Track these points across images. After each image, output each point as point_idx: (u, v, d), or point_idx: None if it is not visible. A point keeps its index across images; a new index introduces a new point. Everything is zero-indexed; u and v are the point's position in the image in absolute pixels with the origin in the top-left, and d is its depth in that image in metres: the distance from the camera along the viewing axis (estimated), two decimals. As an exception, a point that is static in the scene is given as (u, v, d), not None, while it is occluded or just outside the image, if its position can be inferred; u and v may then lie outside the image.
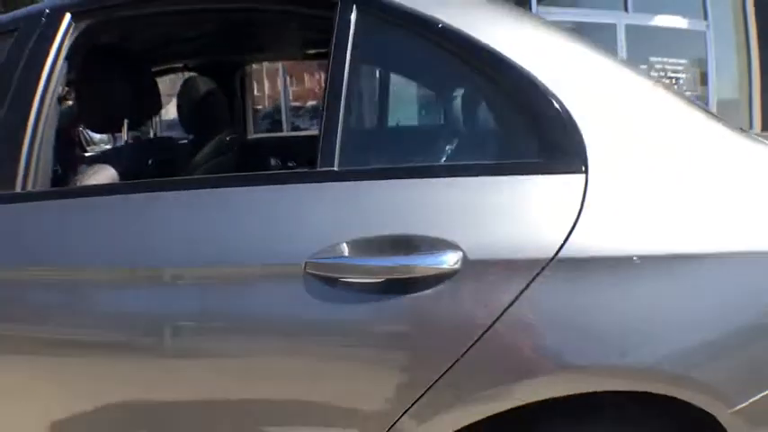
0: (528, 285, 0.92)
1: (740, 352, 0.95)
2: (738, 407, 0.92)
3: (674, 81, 5.97)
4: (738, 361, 0.95)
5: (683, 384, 0.93)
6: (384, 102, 2.02)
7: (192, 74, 2.30)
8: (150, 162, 1.67)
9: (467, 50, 1.05)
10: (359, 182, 1.03)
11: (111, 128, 1.80)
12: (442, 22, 1.05)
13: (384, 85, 2.04)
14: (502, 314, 0.92)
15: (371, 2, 1.09)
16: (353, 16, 1.08)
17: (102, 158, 1.72)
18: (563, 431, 1.04)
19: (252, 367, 1.02)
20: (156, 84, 1.72)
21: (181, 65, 2.37)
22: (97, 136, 4.45)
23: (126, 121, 1.61)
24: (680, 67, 6.06)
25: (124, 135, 2.03)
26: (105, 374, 1.07)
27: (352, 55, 1.06)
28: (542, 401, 0.95)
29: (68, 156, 2.05)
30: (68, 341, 1.11)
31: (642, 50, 5.96)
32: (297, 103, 9.35)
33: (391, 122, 2.24)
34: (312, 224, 1.00)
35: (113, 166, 1.46)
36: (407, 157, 1.28)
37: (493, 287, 0.94)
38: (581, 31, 6.16)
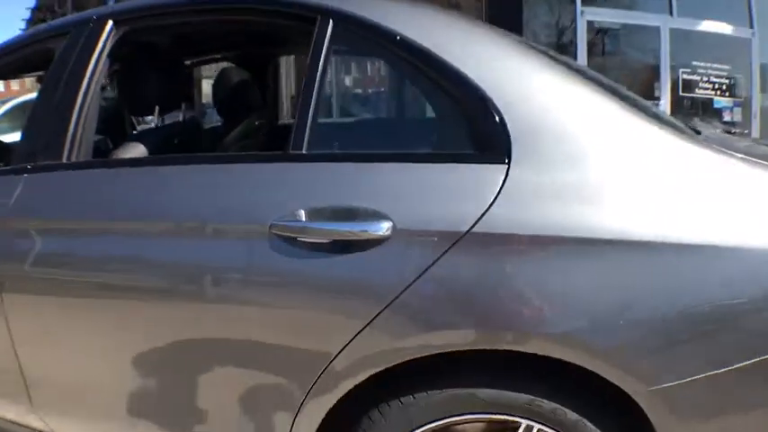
0: (445, 252, 1.14)
1: (653, 335, 1.09)
2: (653, 387, 1.07)
3: (714, 87, 5.93)
4: (649, 344, 1.09)
5: (574, 348, 1.12)
6: (347, 99, 2.31)
7: (227, 64, 2.60)
8: (176, 142, 1.98)
9: (423, 62, 1.28)
10: (320, 163, 1.30)
11: (145, 112, 2.13)
12: (400, 35, 1.28)
13: (348, 85, 2.33)
14: (423, 273, 1.15)
15: (345, 18, 1.34)
16: (329, 29, 1.33)
17: (137, 137, 2.04)
18: (479, 380, 1.24)
19: (228, 307, 1.30)
20: (185, 73, 2.02)
21: (216, 56, 2.68)
22: (149, 118, 4.86)
23: (158, 107, 1.92)
24: (723, 73, 6.02)
25: (180, 116, 2.33)
26: (124, 309, 1.39)
27: (324, 61, 1.31)
28: (477, 353, 1.16)
29: (118, 134, 2.38)
30: (93, 284, 1.43)
31: (685, 54, 5.95)
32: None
33: (351, 116, 2.49)
34: (280, 194, 1.27)
35: (144, 144, 1.77)
36: (359, 145, 1.53)
37: (416, 252, 1.17)
38: (625, 33, 6.22)
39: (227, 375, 1.33)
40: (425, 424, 1.21)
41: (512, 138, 1.18)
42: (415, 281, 1.15)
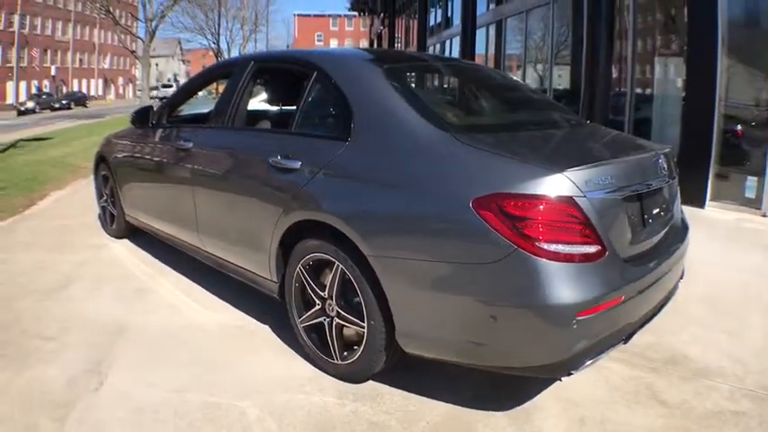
0: (315, 175, 2.51)
1: (375, 223, 2.31)
2: (370, 254, 2.29)
3: None
4: (373, 228, 2.30)
5: (344, 224, 2.38)
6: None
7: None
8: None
9: (325, 81, 2.73)
10: (270, 134, 2.94)
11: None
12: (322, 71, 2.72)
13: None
14: (306, 185, 2.55)
15: (262, 61, 3.05)
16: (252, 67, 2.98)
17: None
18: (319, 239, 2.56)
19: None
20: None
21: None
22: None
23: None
24: None
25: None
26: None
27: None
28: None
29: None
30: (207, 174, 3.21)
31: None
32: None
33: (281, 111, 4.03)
34: (273, 144, 2.82)
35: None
36: (281, 125, 3.12)
37: (306, 174, 2.56)
38: None
39: (245, 220, 2.95)
40: (305, 256, 2.60)
41: (352, 131, 2.49)
42: (303, 186, 2.53)
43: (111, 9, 25.10)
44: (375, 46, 38.63)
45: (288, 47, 60.38)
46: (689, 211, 5.59)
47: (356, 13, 46.59)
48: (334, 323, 2.55)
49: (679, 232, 2.76)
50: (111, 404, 2.40)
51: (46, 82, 49.87)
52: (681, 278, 2.79)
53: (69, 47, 53.14)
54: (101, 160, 4.92)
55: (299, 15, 79.42)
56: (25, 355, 2.81)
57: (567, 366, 2.07)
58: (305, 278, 2.64)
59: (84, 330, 3.09)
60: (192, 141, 3.45)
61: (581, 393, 2.52)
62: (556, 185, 2.00)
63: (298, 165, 2.58)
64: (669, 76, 7.59)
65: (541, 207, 1.98)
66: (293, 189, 2.59)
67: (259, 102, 4.04)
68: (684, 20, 6.80)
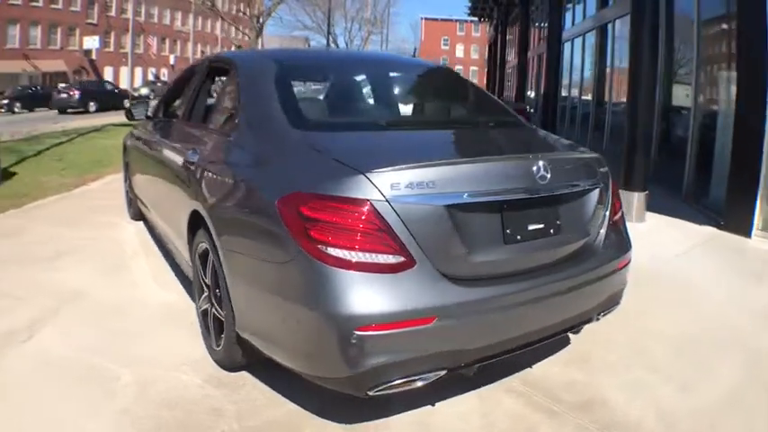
0: (204, 170, 2.89)
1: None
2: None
3: None
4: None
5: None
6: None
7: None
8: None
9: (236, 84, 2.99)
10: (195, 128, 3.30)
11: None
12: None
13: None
14: (197, 178, 2.90)
15: (212, 61, 3.31)
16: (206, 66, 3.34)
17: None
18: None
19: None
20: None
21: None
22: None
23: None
24: None
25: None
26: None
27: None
28: None
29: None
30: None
31: None
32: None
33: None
34: (190, 138, 3.37)
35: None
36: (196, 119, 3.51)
37: (197, 171, 2.94)
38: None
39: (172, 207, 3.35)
40: (198, 244, 2.87)
41: (236, 126, 2.78)
42: (196, 178, 2.89)
43: (215, 3, 26.95)
44: (489, 53, 38.94)
45: (415, 50, 60.90)
46: (732, 240, 5.55)
47: (476, 19, 46.64)
48: (212, 310, 2.74)
49: (595, 253, 2.44)
50: (27, 355, 2.93)
51: (164, 70, 53.95)
52: (609, 308, 2.55)
53: (189, 37, 57.06)
54: (124, 148, 5.63)
55: (425, 19, 79.96)
56: (-9, 309, 3.43)
57: (365, 383, 1.97)
58: (198, 264, 2.85)
59: (47, 295, 3.68)
60: (158, 133, 4.04)
61: (444, 422, 2.40)
62: (352, 187, 1.91)
63: (196, 158, 2.92)
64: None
65: (331, 209, 1.90)
66: (192, 180, 2.87)
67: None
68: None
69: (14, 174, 7.53)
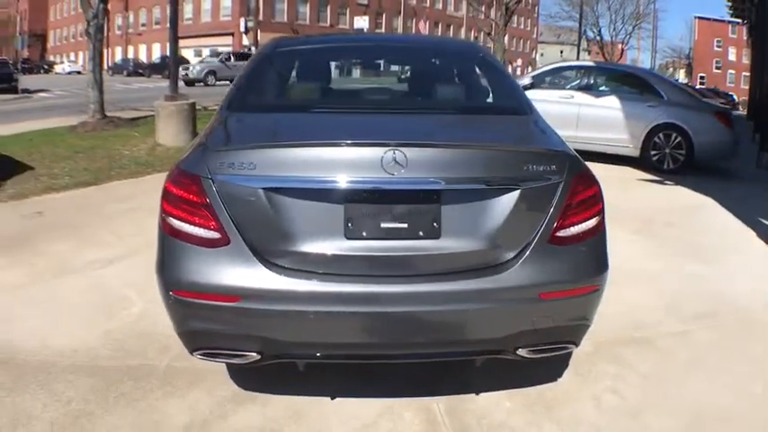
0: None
1: None
2: None
3: None
4: None
5: None
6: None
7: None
8: None
9: None
10: None
11: None
12: None
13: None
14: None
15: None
16: None
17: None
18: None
19: None
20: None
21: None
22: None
23: None
24: None
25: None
26: None
27: None
28: None
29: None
30: None
31: None
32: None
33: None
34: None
35: None
36: None
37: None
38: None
39: None
40: None
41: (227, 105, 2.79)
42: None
43: None
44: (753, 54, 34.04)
45: (689, 50, 62.33)
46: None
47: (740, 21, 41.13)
48: None
49: (507, 271, 2.02)
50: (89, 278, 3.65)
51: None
52: (544, 344, 2.13)
53: (462, 23, 59.13)
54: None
55: (698, 18, 72.30)
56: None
57: (189, 343, 2.13)
58: None
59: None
60: None
61: (322, 417, 2.31)
62: (192, 164, 2.07)
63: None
64: None
65: (176, 183, 2.06)
66: None
67: None
68: None
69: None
